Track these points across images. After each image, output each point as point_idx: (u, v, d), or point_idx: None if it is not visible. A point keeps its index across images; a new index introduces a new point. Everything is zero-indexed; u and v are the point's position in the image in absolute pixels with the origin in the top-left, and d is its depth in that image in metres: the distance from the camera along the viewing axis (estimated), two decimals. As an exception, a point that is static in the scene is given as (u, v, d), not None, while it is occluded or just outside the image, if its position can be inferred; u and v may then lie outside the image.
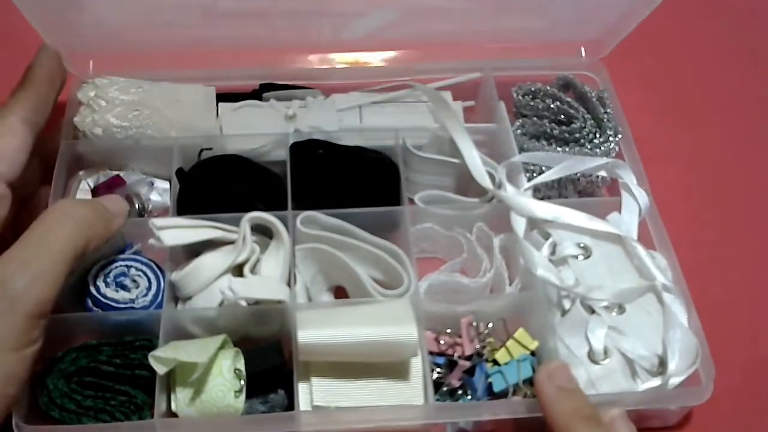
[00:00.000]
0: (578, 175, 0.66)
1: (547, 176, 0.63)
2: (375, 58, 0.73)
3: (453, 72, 0.72)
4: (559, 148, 0.67)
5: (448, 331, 0.58)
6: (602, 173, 0.66)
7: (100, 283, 0.57)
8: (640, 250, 0.60)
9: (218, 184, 0.63)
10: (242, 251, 0.58)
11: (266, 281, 0.57)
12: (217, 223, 0.58)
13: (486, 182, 0.63)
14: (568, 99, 0.70)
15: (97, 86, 0.66)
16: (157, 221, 0.56)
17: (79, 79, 0.67)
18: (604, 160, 0.64)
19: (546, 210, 0.61)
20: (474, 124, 0.69)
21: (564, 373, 0.52)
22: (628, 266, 0.61)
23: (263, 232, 0.60)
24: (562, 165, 0.63)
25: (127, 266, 0.59)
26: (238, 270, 0.58)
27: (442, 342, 0.57)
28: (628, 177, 0.64)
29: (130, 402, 0.54)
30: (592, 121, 0.69)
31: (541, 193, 0.67)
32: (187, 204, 0.62)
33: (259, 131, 0.66)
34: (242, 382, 0.53)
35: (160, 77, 0.69)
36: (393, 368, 0.55)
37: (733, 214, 0.73)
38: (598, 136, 0.68)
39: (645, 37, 0.71)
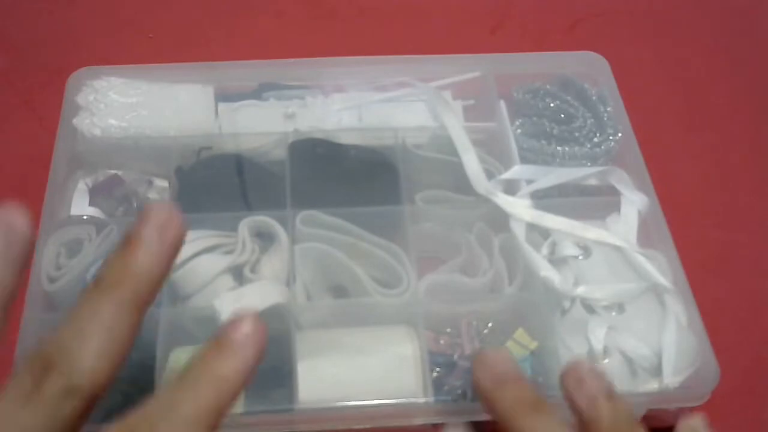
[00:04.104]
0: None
1: (542, 184, 0.63)
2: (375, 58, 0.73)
3: (453, 71, 0.72)
4: (558, 147, 0.67)
5: (448, 330, 0.58)
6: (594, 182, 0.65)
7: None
8: (638, 256, 0.60)
9: (217, 184, 0.63)
10: (241, 254, 0.57)
11: (261, 289, 0.57)
12: (208, 232, 0.58)
13: (482, 188, 0.63)
14: (568, 98, 0.70)
15: (96, 90, 0.66)
16: None
17: (78, 83, 0.67)
18: (597, 168, 0.64)
19: (542, 220, 0.61)
20: (474, 123, 0.69)
21: (501, 361, 0.40)
22: (628, 266, 0.61)
23: (263, 233, 0.60)
24: (555, 175, 0.63)
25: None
26: (237, 270, 0.58)
27: (442, 342, 0.57)
28: (622, 183, 0.64)
29: (130, 401, 0.54)
30: (592, 120, 0.69)
31: (541, 192, 0.67)
32: (185, 203, 0.61)
33: (259, 130, 0.66)
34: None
35: (160, 77, 0.69)
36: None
37: (736, 212, 0.73)
38: (598, 135, 0.68)
39: (645, 37, 0.71)
